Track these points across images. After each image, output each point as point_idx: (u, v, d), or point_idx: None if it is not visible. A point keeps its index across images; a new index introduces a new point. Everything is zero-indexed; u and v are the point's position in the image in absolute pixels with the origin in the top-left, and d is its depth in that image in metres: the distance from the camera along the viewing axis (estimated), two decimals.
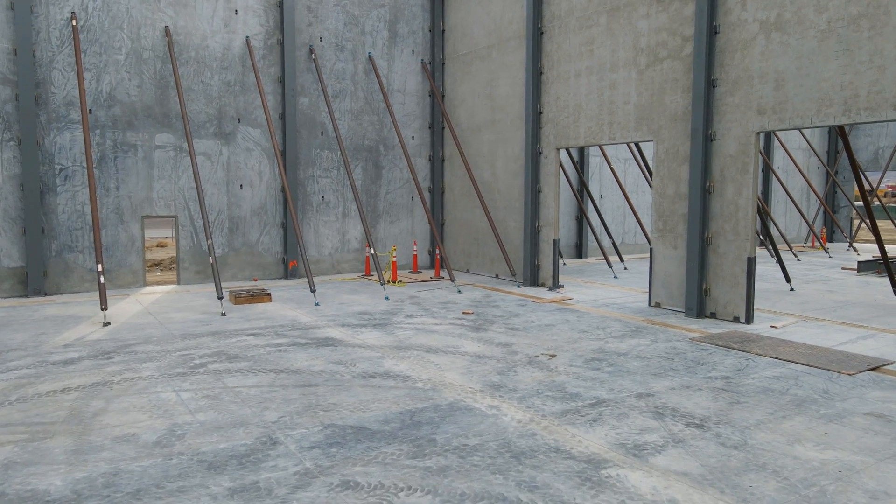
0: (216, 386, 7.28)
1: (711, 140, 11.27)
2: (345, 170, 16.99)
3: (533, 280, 15.21)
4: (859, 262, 18.01)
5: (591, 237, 22.15)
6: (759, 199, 12.00)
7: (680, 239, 11.94)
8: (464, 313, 11.71)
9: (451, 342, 9.49)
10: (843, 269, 19.05)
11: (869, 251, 25.26)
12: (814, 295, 14.15)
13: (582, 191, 21.27)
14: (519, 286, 15.13)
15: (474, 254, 17.50)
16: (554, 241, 14.81)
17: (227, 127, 15.37)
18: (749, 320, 10.92)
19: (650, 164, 18.49)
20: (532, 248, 15.15)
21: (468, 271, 17.73)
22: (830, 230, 29.78)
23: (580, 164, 21.78)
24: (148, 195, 14.53)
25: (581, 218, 21.95)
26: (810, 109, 9.87)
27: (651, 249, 12.52)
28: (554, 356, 8.70)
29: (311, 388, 7.21)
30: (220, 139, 15.29)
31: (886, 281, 16.39)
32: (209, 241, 11.99)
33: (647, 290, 14.06)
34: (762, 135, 10.63)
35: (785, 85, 10.19)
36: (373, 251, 13.73)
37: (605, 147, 22.02)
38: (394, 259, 15.63)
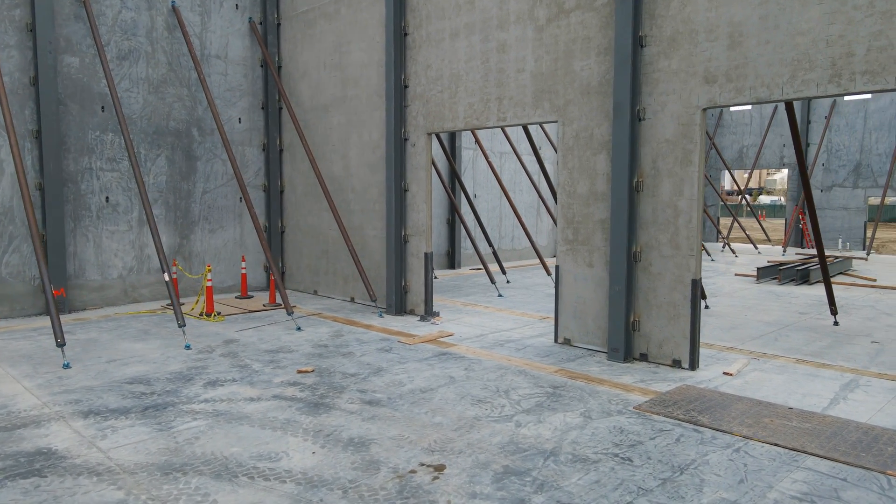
0: None
1: (640, 119, 8.27)
2: (142, 160, 12.36)
3: (399, 306, 11.59)
4: (759, 269, 16.29)
5: (464, 244, 18.98)
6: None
7: (597, 254, 8.87)
8: (299, 372, 7.82)
9: (267, 445, 5.59)
10: (736, 275, 17.35)
11: (744, 252, 24.42)
12: (734, 314, 11.80)
13: (455, 187, 18.01)
14: (381, 315, 11.44)
15: (324, 271, 13.57)
16: (426, 254, 11.29)
17: None
18: (694, 365, 8.04)
19: (541, 155, 15.50)
20: (398, 264, 11.53)
21: (316, 293, 13.75)
22: (703, 229, 29.07)
23: (452, 156, 18.50)
24: None
25: (453, 220, 18.70)
26: (781, 75, 7.10)
27: (557, 267, 9.36)
28: (442, 470, 5.11)
29: None
30: None
31: (794, 290, 14.64)
32: None
33: (550, 316, 10.96)
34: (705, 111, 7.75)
35: (744, 42, 7.35)
36: (167, 277, 9.40)
37: (480, 137, 18.95)
38: (209, 283, 11.32)
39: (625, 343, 8.39)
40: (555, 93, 9.18)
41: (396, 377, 7.64)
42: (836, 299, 13.30)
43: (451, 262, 18.72)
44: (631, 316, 8.46)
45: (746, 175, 28.49)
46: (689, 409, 6.52)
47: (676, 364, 8.13)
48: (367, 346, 9.16)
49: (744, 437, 5.80)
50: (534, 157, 18.70)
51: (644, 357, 8.43)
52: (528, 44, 9.42)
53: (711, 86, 7.63)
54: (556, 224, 18.96)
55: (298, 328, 10.25)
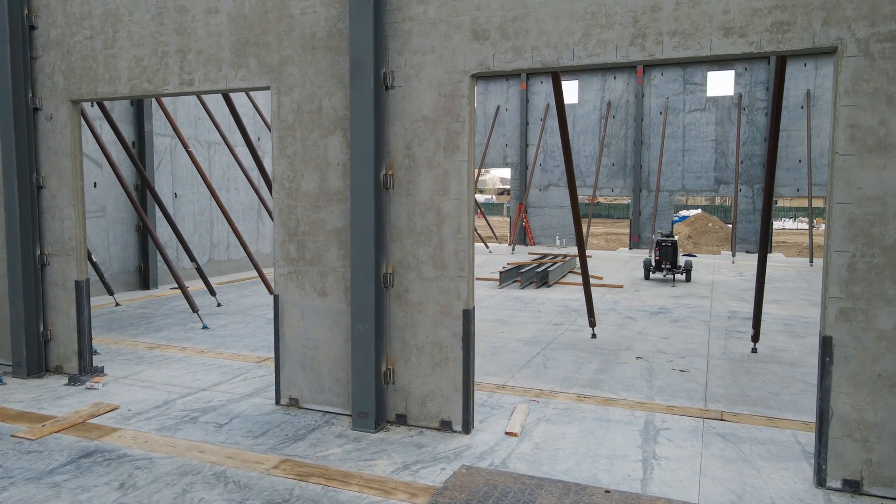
0: None
1: (388, 87, 5.87)
2: None
3: (35, 364, 7.61)
4: (501, 273, 15.36)
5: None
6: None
7: (333, 277, 6.27)
8: None
9: None
10: (478, 279, 16.32)
11: (476, 251, 24.13)
12: (491, 332, 10.24)
13: (143, 187, 13.90)
14: (1, 381, 7.36)
15: None
16: (78, 283, 7.53)
17: None
18: (468, 426, 5.92)
19: (260, 145, 12.21)
20: (29, 299, 7.54)
21: None
22: None
23: (138, 144, 14.32)
24: None
25: (145, 229, 14.52)
26: (572, 33, 5.26)
27: (276, 298, 6.54)
28: None
29: None
30: None
31: (537, 295, 13.86)
32: None
33: (273, 356, 8.03)
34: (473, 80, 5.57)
35: None
36: None
37: (182, 121, 15.05)
38: None
39: (376, 403, 5.94)
40: (265, 46, 6.32)
41: None
42: (577, 302, 12.72)
43: (145, 281, 14.52)
44: (383, 364, 6.04)
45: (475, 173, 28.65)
46: None
47: (446, 426, 5.92)
48: None
49: None
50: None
51: (402, 420, 6.08)
52: None
53: (483, 44, 5.54)
54: None
55: None
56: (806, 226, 43.03)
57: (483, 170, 35.86)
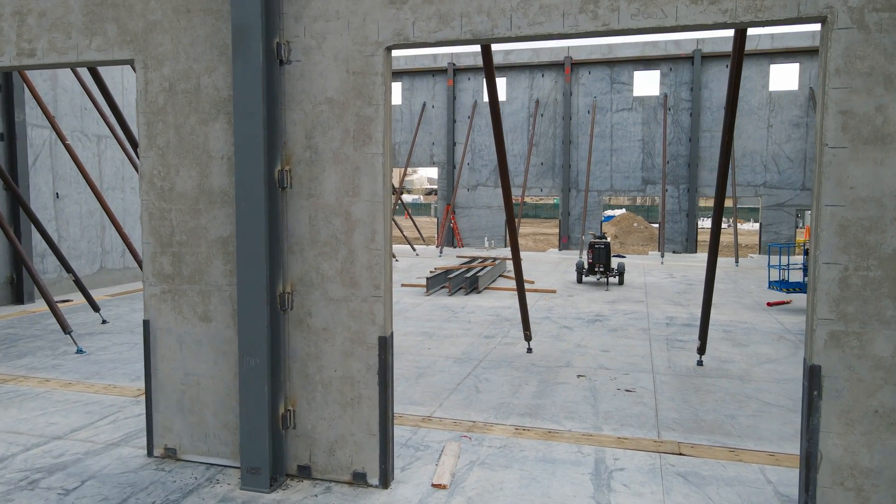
0: None
1: (283, 61, 4.71)
2: None
3: None
4: (428, 279, 14.33)
5: (44, 267, 13.05)
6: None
7: (217, 298, 5.04)
8: None
9: None
10: (403, 285, 15.24)
11: (403, 254, 23.04)
12: (416, 349, 9.19)
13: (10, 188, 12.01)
14: None
15: None
16: None
17: None
18: (387, 478, 4.83)
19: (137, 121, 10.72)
20: None
21: None
22: None
23: (7, 136, 12.41)
24: None
25: (19, 233, 12.63)
26: None
27: (146, 324, 5.25)
28: None
29: None
30: None
31: (467, 302, 12.91)
32: None
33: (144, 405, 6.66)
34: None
35: None
36: None
37: (62, 111, 13.24)
38: None
39: (271, 454, 4.76)
40: (126, 8, 5.03)
41: None
42: (510, 310, 11.88)
43: (18, 294, 12.60)
44: (280, 405, 4.87)
45: (401, 173, 27.59)
46: None
47: (360, 480, 4.82)
48: None
49: None
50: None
51: (306, 472, 4.93)
52: None
53: (400, 9, 4.47)
54: None
55: None
56: (725, 225, 44.30)
57: (410, 169, 34.84)
